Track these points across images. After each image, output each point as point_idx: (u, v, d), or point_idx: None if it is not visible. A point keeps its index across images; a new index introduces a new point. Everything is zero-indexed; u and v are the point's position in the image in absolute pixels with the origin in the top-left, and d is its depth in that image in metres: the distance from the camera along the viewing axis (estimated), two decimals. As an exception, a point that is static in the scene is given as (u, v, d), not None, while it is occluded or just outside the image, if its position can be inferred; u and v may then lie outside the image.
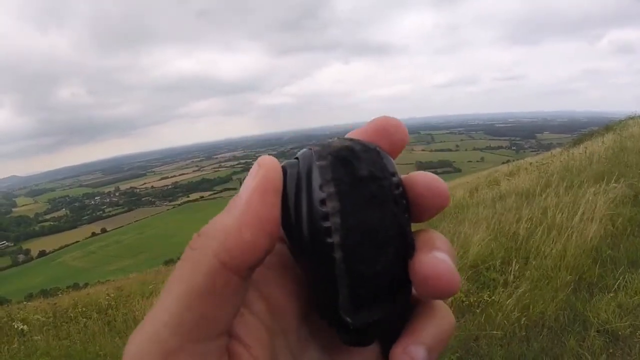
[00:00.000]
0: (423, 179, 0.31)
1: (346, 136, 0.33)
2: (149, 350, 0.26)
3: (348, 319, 0.29)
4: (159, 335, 0.26)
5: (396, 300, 0.30)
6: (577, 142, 14.47)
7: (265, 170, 0.30)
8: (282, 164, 0.31)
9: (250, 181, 0.29)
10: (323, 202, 0.28)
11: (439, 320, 0.32)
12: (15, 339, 5.12)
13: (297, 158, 0.31)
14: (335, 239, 0.28)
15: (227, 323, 0.28)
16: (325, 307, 0.30)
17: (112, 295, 7.43)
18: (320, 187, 0.29)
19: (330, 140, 0.31)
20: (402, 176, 0.31)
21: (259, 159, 0.31)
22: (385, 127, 0.33)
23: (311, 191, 0.29)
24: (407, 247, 0.30)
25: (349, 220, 0.28)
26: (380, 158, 0.30)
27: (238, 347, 0.29)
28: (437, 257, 0.29)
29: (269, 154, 0.31)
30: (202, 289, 0.27)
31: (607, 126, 15.40)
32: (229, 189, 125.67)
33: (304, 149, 0.32)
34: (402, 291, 0.30)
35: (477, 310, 3.30)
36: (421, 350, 0.31)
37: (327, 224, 0.28)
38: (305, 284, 0.33)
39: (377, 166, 0.30)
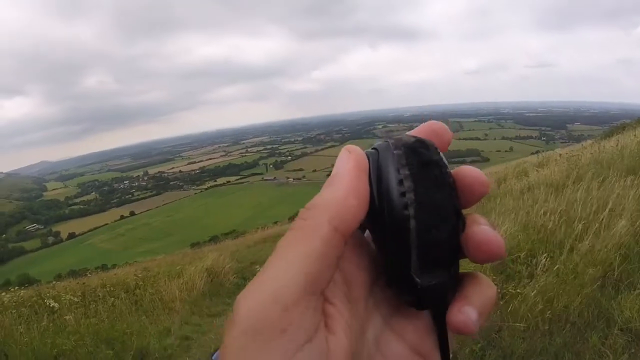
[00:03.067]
0: (470, 171, 0.39)
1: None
2: (271, 304, 0.31)
3: (417, 279, 0.36)
4: (280, 291, 0.32)
5: (451, 268, 0.38)
6: (608, 135, 14.15)
7: (355, 155, 0.39)
8: (364, 151, 0.40)
9: (345, 163, 0.39)
10: (400, 182, 0.36)
11: (484, 288, 0.40)
12: (45, 316, 5.25)
13: (374, 148, 0.40)
14: (410, 211, 0.36)
15: (329, 282, 0.35)
16: (397, 270, 0.38)
17: (140, 275, 7.56)
18: (398, 170, 0.37)
19: (399, 136, 0.39)
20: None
21: (347, 147, 0.41)
22: (434, 130, 0.41)
23: (391, 173, 0.37)
24: (460, 223, 0.38)
25: (420, 197, 0.36)
26: (438, 152, 0.38)
27: (327, 305, 0.36)
28: (485, 228, 0.37)
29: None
30: (319, 249, 0.34)
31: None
32: (255, 174, 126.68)
33: (379, 142, 0.40)
34: (455, 261, 0.38)
35: (501, 302, 3.29)
36: (474, 311, 0.37)
37: (404, 200, 0.36)
38: (378, 252, 0.41)
39: (438, 157, 0.38)
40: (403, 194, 0.36)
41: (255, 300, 0.32)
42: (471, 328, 0.37)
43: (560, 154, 9.86)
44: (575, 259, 3.59)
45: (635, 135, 8.96)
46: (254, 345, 0.31)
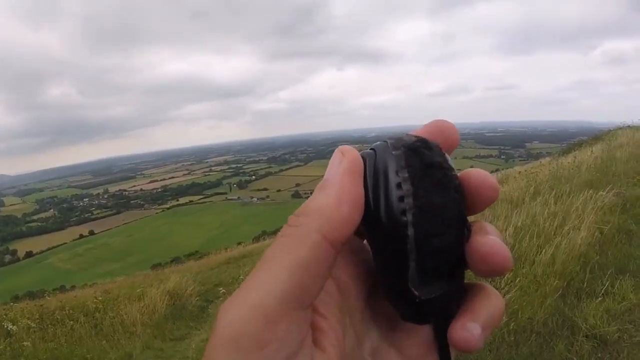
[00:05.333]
0: (478, 174, 0.36)
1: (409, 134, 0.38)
2: (252, 317, 0.29)
3: (415, 292, 0.34)
4: (263, 303, 0.29)
5: (455, 279, 0.35)
6: (566, 152, 14.59)
7: (349, 156, 0.36)
8: (360, 153, 0.37)
9: (338, 166, 0.35)
10: (399, 185, 0.33)
11: (491, 301, 0.36)
12: (2, 340, 5.06)
13: (372, 149, 0.37)
14: (408, 217, 0.32)
15: (318, 294, 0.32)
16: (394, 281, 0.35)
17: (100, 298, 7.36)
18: (396, 172, 0.34)
19: (400, 135, 0.36)
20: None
21: (340, 147, 0.37)
22: (441, 129, 0.39)
23: (388, 176, 0.34)
24: (465, 230, 0.35)
25: (420, 201, 0.33)
26: (443, 153, 0.36)
27: (317, 318, 0.34)
28: (492, 238, 0.34)
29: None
30: (307, 260, 0.31)
31: (596, 136, 15.56)
32: (219, 194, 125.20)
33: (378, 142, 0.37)
34: (459, 271, 0.36)
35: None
36: (478, 327, 0.34)
37: (402, 205, 0.33)
38: (374, 261, 0.37)
39: (441, 158, 0.35)
40: (401, 199, 0.33)
41: (236, 311, 0.30)
42: (473, 345, 0.34)
43: (519, 172, 10.10)
44: (537, 271, 3.66)
45: (592, 151, 9.26)
46: (233, 359, 0.29)
